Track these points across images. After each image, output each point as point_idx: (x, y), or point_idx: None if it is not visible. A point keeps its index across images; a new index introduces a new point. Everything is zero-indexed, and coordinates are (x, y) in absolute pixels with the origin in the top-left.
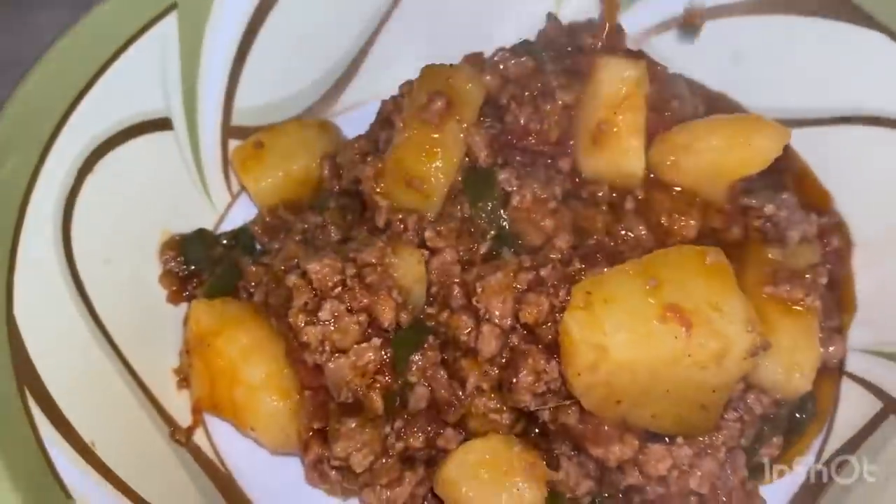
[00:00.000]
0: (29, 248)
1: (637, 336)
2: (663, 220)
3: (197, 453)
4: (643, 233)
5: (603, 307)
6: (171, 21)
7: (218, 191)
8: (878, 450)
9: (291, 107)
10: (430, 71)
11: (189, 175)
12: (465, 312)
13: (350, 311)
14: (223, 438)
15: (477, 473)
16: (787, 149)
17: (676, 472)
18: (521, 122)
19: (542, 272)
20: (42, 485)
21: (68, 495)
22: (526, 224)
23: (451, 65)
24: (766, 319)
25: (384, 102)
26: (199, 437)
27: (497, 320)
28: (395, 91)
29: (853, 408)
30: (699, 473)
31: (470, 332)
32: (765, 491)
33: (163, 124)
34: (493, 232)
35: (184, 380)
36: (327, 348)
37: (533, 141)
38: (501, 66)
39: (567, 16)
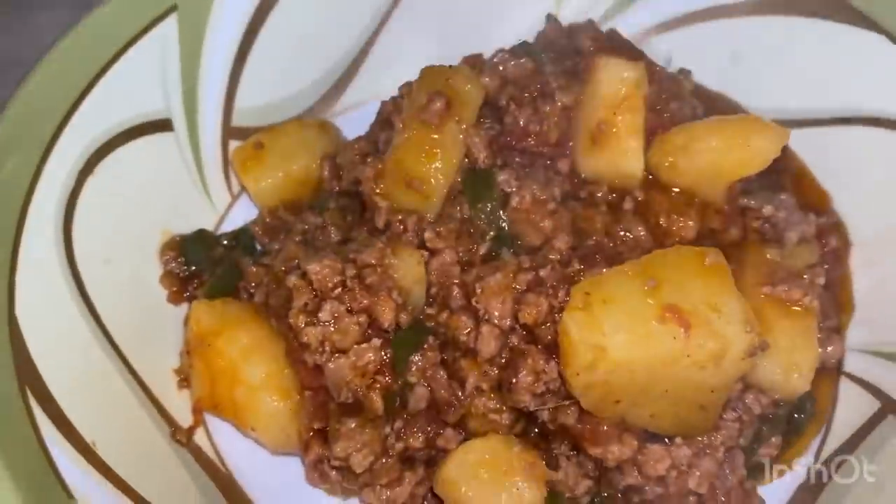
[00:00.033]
0: (30, 249)
1: (636, 336)
2: (662, 221)
3: (198, 453)
4: (642, 233)
5: (602, 308)
6: (171, 22)
7: (218, 191)
8: (877, 449)
9: (291, 107)
10: (429, 72)
11: (189, 176)
12: (464, 313)
13: (350, 311)
14: (224, 438)
15: (477, 473)
16: (785, 149)
17: (675, 472)
18: (521, 123)
19: (542, 273)
20: (43, 484)
21: (70, 495)
22: (525, 225)
23: (450, 66)
24: (764, 320)
25: (384, 103)
26: (199, 437)
27: (496, 321)
28: (394, 92)
29: (851, 408)
30: (698, 473)
31: (469, 332)
32: (763, 491)
33: (163, 125)
34: (492, 233)
35: (184, 380)
36: (327, 349)
37: (532, 142)
38: (501, 68)
39: (566, 17)
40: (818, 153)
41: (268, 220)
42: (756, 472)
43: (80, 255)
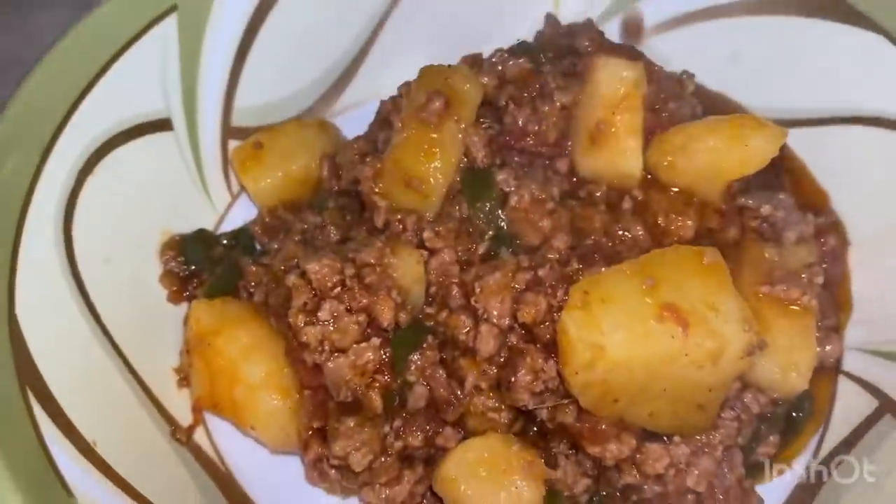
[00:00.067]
0: (30, 249)
1: (634, 335)
2: (660, 221)
3: (197, 452)
4: (640, 233)
5: (600, 307)
6: (170, 22)
7: (218, 191)
8: (874, 448)
9: (291, 107)
10: (428, 71)
11: (189, 175)
12: (463, 312)
13: (349, 310)
14: (223, 437)
15: (475, 472)
16: (784, 149)
17: (673, 471)
18: (520, 122)
19: (540, 272)
20: (43, 483)
21: (69, 493)
22: (524, 224)
23: (449, 65)
24: (762, 319)
25: (383, 103)
26: (199, 436)
27: (495, 320)
28: (394, 91)
29: (850, 406)
30: (696, 472)
31: (468, 331)
32: (762, 489)
33: (163, 125)
34: (491, 232)
35: (184, 379)
36: (327, 348)
37: (531, 141)
38: (499, 67)
39: (565, 17)
40: (817, 153)
41: (267, 219)
42: (754, 470)
43: (80, 254)
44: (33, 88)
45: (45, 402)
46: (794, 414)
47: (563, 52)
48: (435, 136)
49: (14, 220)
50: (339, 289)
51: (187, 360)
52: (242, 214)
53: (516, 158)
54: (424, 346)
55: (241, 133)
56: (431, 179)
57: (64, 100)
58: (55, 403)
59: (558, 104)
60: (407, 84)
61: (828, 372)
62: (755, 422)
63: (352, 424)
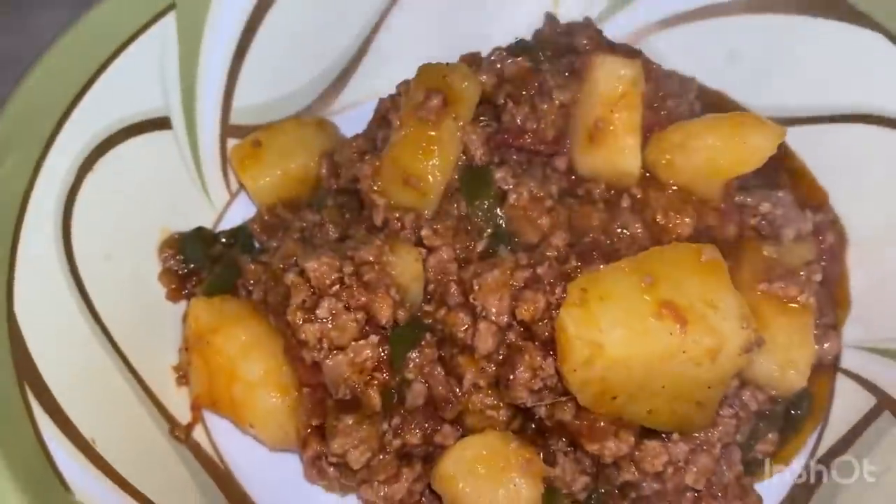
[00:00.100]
0: (29, 245)
1: (632, 333)
2: (659, 218)
3: (196, 450)
4: (639, 231)
5: (599, 304)
6: (169, 20)
7: (217, 189)
8: (872, 445)
9: (290, 105)
10: (426, 69)
11: (188, 174)
12: (462, 310)
13: (348, 308)
14: (222, 435)
15: (474, 469)
16: (782, 147)
17: (672, 469)
18: (518, 120)
19: (539, 270)
20: (42, 480)
21: (68, 490)
22: (522, 222)
23: (447, 63)
24: (761, 316)
25: (381, 101)
26: (198, 434)
27: (494, 317)
28: (393, 90)
29: (848, 404)
30: (695, 469)
31: (467, 329)
32: (760, 487)
33: (162, 123)
34: (489, 230)
35: (183, 377)
36: (325, 346)
37: (529, 140)
38: (498, 66)
39: (564, 16)
40: (816, 151)
41: (266, 217)
42: (753, 468)
43: (79, 251)
44: (33, 86)
45: (43, 400)
46: (792, 411)
47: (561, 51)
48: (433, 134)
49: (13, 218)
50: (337, 286)
51: (186, 358)
52: (241, 213)
53: (514, 156)
54: (423, 343)
55: (240, 131)
56: (430, 177)
57: (63, 97)
58: (54, 401)
59: (557, 102)
60: (406, 82)
61: (826, 369)
62: (754, 419)
63: (350, 422)
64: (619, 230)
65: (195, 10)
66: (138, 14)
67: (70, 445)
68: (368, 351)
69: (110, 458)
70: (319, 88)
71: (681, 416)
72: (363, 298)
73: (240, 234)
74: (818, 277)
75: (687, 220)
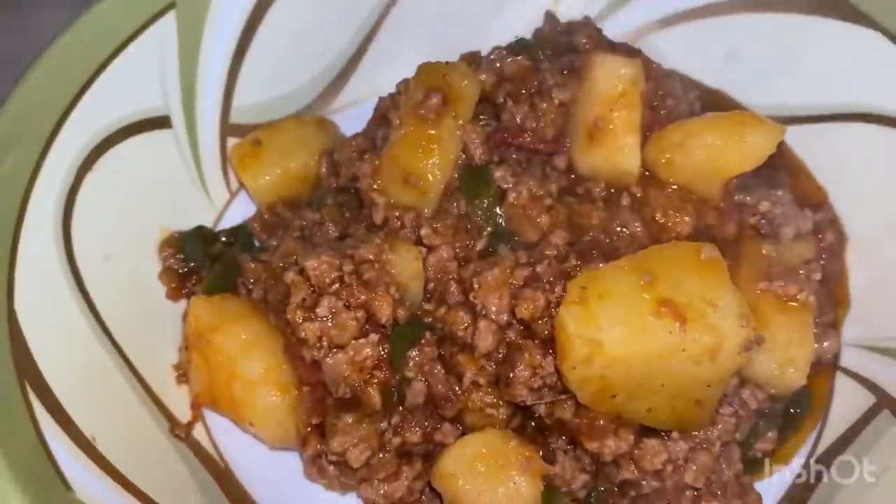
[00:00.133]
0: (29, 245)
1: (632, 331)
2: (658, 217)
3: (196, 448)
4: (638, 229)
5: (598, 302)
6: (169, 19)
7: (217, 188)
8: (872, 444)
9: (289, 104)
10: (426, 68)
11: (188, 173)
12: (461, 308)
13: (348, 307)
14: (222, 433)
15: (473, 467)
16: (782, 145)
17: (671, 467)
18: (518, 119)
19: (538, 268)
20: (43, 478)
21: (69, 488)
22: (522, 221)
23: (447, 62)
24: (760, 315)
25: (381, 100)
26: (198, 432)
27: (493, 316)
28: (392, 89)
29: (847, 402)
30: (694, 468)
31: (466, 327)
32: (759, 486)
33: (162, 122)
34: (489, 229)
35: (183, 375)
36: (325, 344)
37: (529, 139)
38: (497, 64)
39: (564, 14)
40: (816, 149)
41: (266, 216)
42: (752, 466)
43: (79, 251)
44: (33, 85)
45: (44, 398)
46: (791, 410)
47: (561, 50)
48: (433, 132)
49: (13, 217)
50: (337, 285)
51: (186, 357)
52: (241, 211)
53: (514, 155)
54: (423, 342)
55: (240, 130)
56: (429, 176)
57: (63, 96)
58: (54, 400)
59: (556, 101)
60: (405, 81)
61: (825, 368)
62: (753, 418)
63: (350, 420)
64: (618, 229)
65: (195, 10)
66: (138, 13)
67: (71, 444)
68: (368, 349)
69: (111, 456)
70: (319, 87)
71: (680, 415)
72: (363, 297)
73: (240, 233)
74: (818, 276)
75: (686, 218)
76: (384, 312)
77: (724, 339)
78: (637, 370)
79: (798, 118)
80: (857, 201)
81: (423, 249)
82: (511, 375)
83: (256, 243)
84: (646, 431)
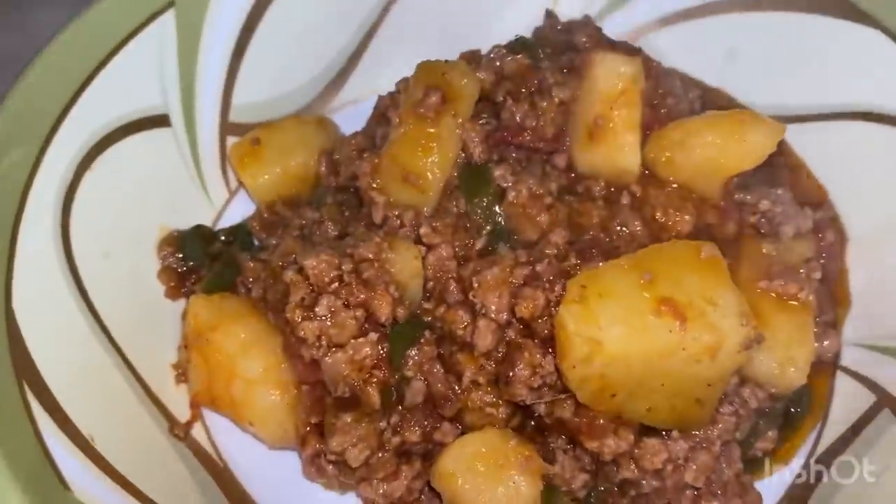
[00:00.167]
0: (28, 242)
1: (631, 329)
2: (658, 216)
3: (195, 448)
4: (638, 228)
5: (598, 301)
6: (168, 18)
7: (216, 187)
8: (872, 443)
9: (289, 103)
10: (425, 66)
11: (187, 171)
12: (461, 307)
13: (347, 306)
14: (221, 433)
15: (473, 467)
16: (782, 144)
17: (671, 466)
18: (517, 118)
19: (538, 267)
20: (40, 476)
21: (67, 487)
22: (521, 219)
23: (446, 61)
24: (760, 314)
25: (381, 98)
26: (197, 432)
27: (493, 315)
28: (392, 88)
29: (847, 401)
30: (694, 467)
31: (466, 326)
32: (759, 485)
33: (161, 121)
34: (488, 227)
35: (182, 374)
36: (324, 343)
37: (528, 137)
38: (497, 63)
39: (564, 13)
40: (816, 148)
41: (265, 215)
42: (752, 465)
43: (78, 249)
44: (32, 83)
45: (42, 397)
46: (792, 409)
47: (561, 48)
48: (432, 131)
49: (12, 215)
50: (336, 284)
51: (185, 356)
52: (240, 210)
53: (514, 154)
54: (422, 341)
55: (240, 129)
56: (429, 174)
57: (62, 95)
58: (53, 399)
59: (556, 100)
60: (405, 80)
61: (826, 367)
62: (753, 417)
63: (349, 420)
64: (618, 227)
65: (194, 8)
66: (137, 12)
67: (69, 443)
68: (367, 348)
69: (109, 455)
70: (319, 86)
71: (680, 414)
72: (362, 296)
73: (239, 232)
74: (818, 275)
75: (686, 217)
76: (383, 311)
77: (724, 338)
78: (637, 369)
79: (798, 117)
80: (857, 200)
81: (423, 248)
82: (511, 374)
83: (256, 242)
84: (646, 431)
